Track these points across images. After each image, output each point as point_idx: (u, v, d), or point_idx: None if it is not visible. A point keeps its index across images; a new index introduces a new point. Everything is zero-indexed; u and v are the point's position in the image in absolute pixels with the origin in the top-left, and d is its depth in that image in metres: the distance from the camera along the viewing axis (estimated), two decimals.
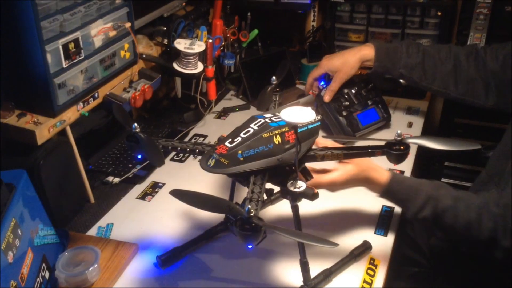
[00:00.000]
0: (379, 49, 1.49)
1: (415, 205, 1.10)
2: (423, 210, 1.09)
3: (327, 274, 1.05)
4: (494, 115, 1.45)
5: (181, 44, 1.50)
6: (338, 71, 1.50)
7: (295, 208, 0.96)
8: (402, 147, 0.95)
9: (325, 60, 1.54)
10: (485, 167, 1.33)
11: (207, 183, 1.35)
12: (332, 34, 2.06)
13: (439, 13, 1.89)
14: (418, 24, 1.94)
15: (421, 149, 1.44)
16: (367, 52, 1.49)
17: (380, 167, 1.14)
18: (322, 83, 1.57)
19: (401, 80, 1.58)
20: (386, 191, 1.12)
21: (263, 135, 0.91)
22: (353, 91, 1.56)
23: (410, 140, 0.96)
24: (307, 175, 1.01)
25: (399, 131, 0.96)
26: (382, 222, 1.23)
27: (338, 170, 1.09)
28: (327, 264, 1.07)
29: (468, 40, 1.84)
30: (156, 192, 1.37)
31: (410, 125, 1.66)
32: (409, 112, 1.74)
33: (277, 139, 0.92)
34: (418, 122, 1.68)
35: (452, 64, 1.44)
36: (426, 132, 1.72)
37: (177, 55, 1.52)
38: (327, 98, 1.52)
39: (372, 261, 1.11)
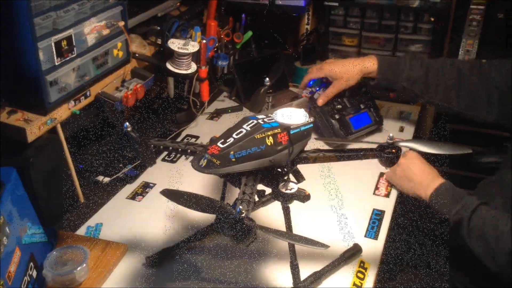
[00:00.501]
0: (382, 62, 1.48)
1: (458, 204, 1.14)
2: (463, 209, 1.11)
3: (317, 277, 1.05)
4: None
5: (174, 44, 1.49)
6: (338, 78, 1.49)
7: (286, 210, 0.96)
8: (393, 150, 0.95)
9: (327, 64, 1.53)
10: (488, 174, 1.34)
11: (198, 183, 1.34)
12: (326, 37, 2.07)
13: (432, 19, 1.90)
14: (411, 29, 1.95)
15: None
16: (369, 64, 1.48)
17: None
18: (312, 82, 1.57)
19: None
20: (438, 189, 1.18)
21: (256, 136, 0.91)
22: (346, 94, 1.57)
23: (402, 144, 0.96)
24: (299, 177, 1.00)
25: (391, 135, 0.96)
26: (372, 225, 1.23)
27: None
28: (317, 266, 1.07)
29: (460, 46, 1.86)
30: (147, 192, 1.36)
31: (401, 129, 1.67)
32: (401, 116, 1.75)
33: (269, 140, 0.91)
34: (410, 127, 1.69)
35: (455, 77, 1.43)
36: (418, 137, 1.73)
37: (171, 55, 1.51)
38: (320, 102, 1.52)
39: (362, 264, 1.11)
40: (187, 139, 1.62)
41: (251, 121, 0.95)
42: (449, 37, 1.95)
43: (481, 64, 1.42)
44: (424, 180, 1.24)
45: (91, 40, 1.24)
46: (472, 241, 1.13)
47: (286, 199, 0.93)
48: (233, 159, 0.89)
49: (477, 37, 1.83)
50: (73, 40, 1.18)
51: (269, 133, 0.92)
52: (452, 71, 1.44)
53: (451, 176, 1.97)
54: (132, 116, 1.72)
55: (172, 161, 1.49)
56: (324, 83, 1.55)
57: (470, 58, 1.84)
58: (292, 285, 1.01)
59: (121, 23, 1.32)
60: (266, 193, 1.02)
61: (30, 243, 1.01)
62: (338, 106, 1.54)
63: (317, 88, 1.56)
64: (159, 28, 1.60)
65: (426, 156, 1.29)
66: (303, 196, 0.92)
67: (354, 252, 1.13)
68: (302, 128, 0.96)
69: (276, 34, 2.16)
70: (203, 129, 1.68)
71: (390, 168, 1.28)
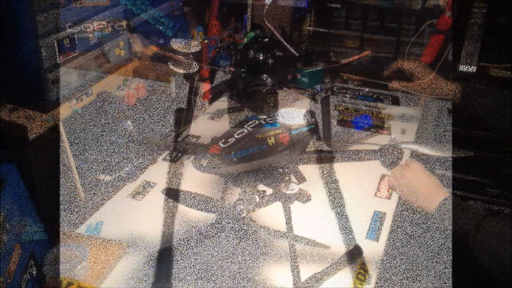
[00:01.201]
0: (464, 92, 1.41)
1: (462, 218, 1.10)
2: (468, 223, 1.09)
3: (318, 278, 1.05)
4: None
5: (176, 44, 1.49)
6: (420, 80, 1.41)
7: (287, 210, 0.96)
8: (395, 152, 0.95)
9: (417, 64, 1.49)
10: None
11: (199, 183, 1.34)
12: (328, 39, 2.07)
13: (434, 22, 1.90)
14: (413, 32, 1.95)
15: (413, 156, 1.45)
16: (450, 91, 1.43)
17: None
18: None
19: None
20: (443, 202, 1.13)
21: (257, 136, 0.91)
22: (347, 96, 1.57)
23: (403, 146, 0.96)
24: (300, 177, 1.00)
25: (392, 136, 0.96)
26: (373, 227, 1.23)
27: None
28: (318, 268, 1.07)
29: (461, 50, 1.85)
30: (148, 191, 1.36)
31: (403, 131, 1.67)
32: (402, 119, 1.74)
33: (270, 141, 0.91)
34: (411, 130, 1.69)
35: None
36: (419, 140, 1.72)
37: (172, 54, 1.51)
38: (394, 84, 1.45)
39: (362, 266, 1.11)
40: (188, 138, 1.62)
41: (253, 121, 0.95)
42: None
43: None
44: (429, 193, 1.21)
45: (93, 38, 1.24)
46: (480, 255, 1.10)
47: (287, 200, 0.93)
48: (234, 159, 0.89)
49: (478, 40, 1.82)
50: (76, 38, 1.18)
51: (270, 133, 0.92)
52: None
53: (457, 180, 1.98)
54: (133, 115, 1.71)
55: (173, 161, 1.49)
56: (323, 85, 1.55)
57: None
58: (292, 286, 1.00)
59: (124, 23, 1.32)
60: (267, 193, 1.02)
61: (31, 240, 1.01)
62: (340, 108, 1.54)
63: (319, 89, 1.56)
64: (161, 27, 1.59)
65: (430, 159, 1.27)
66: (304, 197, 0.92)
67: (354, 253, 1.12)
68: (304, 129, 0.96)
69: (278, 35, 2.16)
70: (204, 129, 1.68)
71: (395, 179, 1.24)
